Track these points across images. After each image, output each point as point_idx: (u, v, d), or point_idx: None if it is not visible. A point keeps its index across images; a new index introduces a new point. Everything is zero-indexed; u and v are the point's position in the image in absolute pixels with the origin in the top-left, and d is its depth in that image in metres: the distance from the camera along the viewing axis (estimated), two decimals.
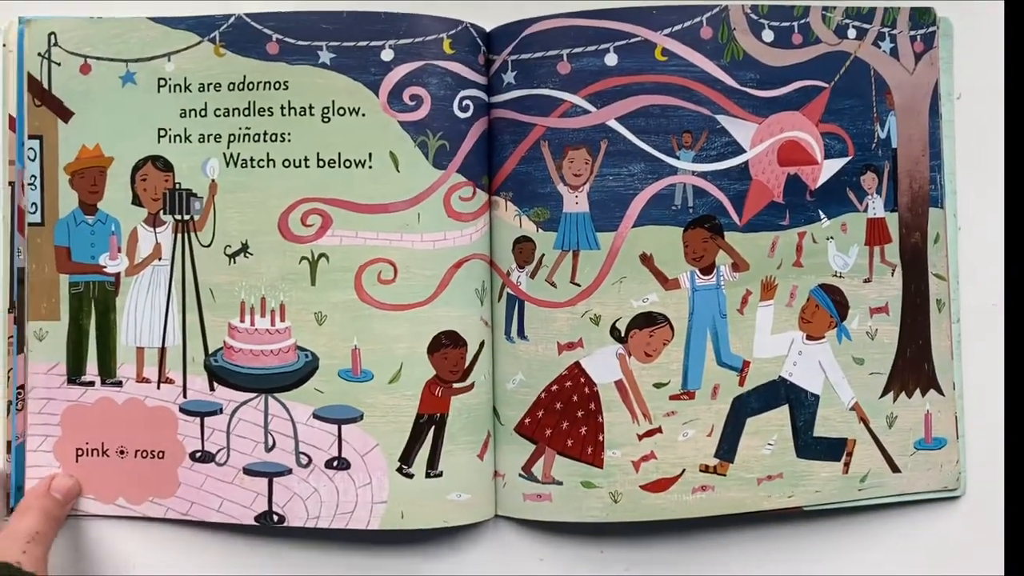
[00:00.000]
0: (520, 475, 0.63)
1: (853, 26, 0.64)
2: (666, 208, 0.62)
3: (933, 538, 0.65)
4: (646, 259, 0.62)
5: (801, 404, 0.63)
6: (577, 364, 0.62)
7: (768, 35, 0.62)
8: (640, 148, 0.62)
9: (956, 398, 0.65)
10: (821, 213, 0.63)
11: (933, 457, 0.65)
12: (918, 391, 0.65)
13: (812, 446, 0.63)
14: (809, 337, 0.64)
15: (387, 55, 0.60)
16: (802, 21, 0.63)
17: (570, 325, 0.62)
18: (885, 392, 0.64)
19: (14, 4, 0.62)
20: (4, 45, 0.62)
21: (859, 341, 0.64)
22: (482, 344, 0.62)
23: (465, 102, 0.61)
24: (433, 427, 0.61)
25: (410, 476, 0.61)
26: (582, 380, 0.62)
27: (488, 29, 0.62)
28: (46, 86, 0.61)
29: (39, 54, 0.61)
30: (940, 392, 0.65)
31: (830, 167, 0.64)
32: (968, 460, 0.66)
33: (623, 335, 0.62)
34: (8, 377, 0.62)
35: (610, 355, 0.62)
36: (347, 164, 0.60)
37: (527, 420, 0.63)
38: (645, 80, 0.61)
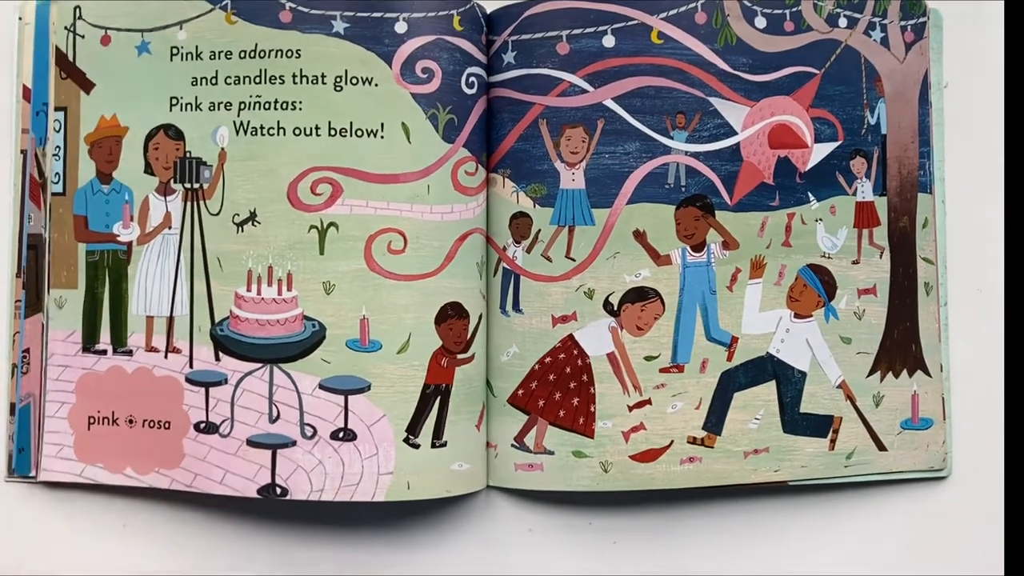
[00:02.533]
0: (512, 445, 0.64)
1: (844, 15, 0.66)
2: (659, 186, 0.64)
3: (918, 517, 0.66)
4: (639, 235, 0.64)
5: (788, 380, 0.65)
6: (571, 336, 0.64)
7: (761, 22, 0.64)
8: (635, 128, 0.64)
9: (943, 380, 0.67)
10: (810, 195, 0.65)
11: (919, 437, 0.66)
12: (905, 372, 0.66)
13: (799, 422, 0.65)
14: (797, 315, 0.65)
15: (401, 27, 0.61)
16: (794, 9, 0.65)
17: (564, 298, 0.64)
18: (872, 371, 0.66)
19: None
20: (21, 18, 0.65)
21: (847, 321, 0.65)
22: (480, 316, 0.64)
23: (471, 79, 0.63)
24: (439, 397, 0.62)
25: (416, 446, 0.62)
26: (575, 352, 0.64)
27: (489, 10, 0.64)
28: (71, 59, 0.64)
29: (66, 28, 0.64)
30: (927, 373, 0.66)
31: (820, 151, 0.65)
32: (954, 441, 0.67)
33: (616, 309, 0.64)
34: (14, 340, 0.65)
35: (603, 328, 0.64)
36: (359, 133, 0.61)
37: (520, 391, 0.64)
38: (641, 62, 0.63)
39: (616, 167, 0.64)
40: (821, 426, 0.65)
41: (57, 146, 0.64)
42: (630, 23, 0.63)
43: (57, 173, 0.64)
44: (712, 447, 0.64)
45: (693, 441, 0.64)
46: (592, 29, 0.63)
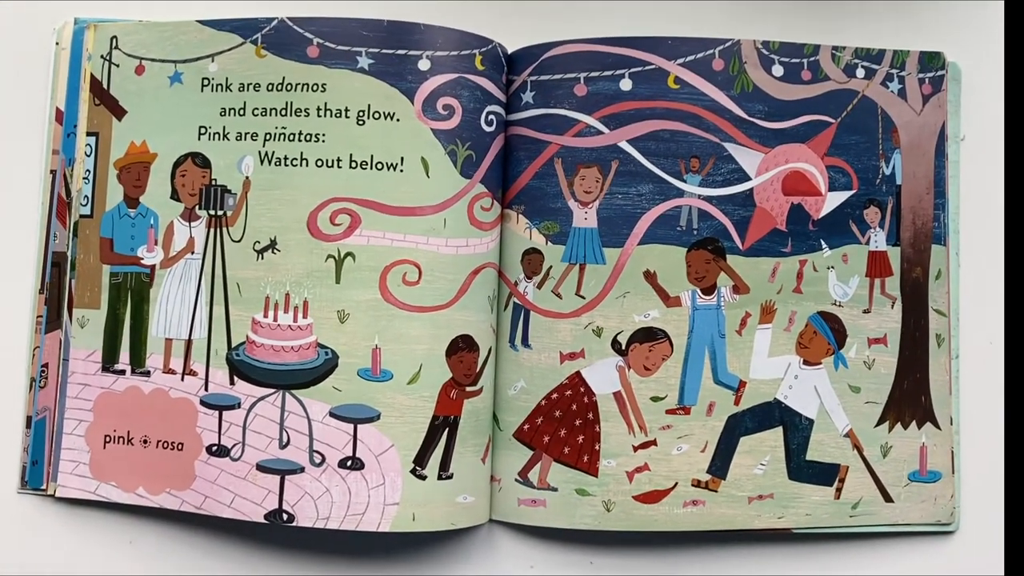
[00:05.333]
0: (516, 480, 0.65)
1: (862, 66, 0.66)
2: (671, 228, 0.64)
3: (924, 572, 0.65)
4: (649, 276, 0.64)
5: (795, 427, 0.65)
6: (578, 374, 0.64)
7: (778, 70, 0.65)
8: (649, 170, 0.64)
9: (953, 433, 0.66)
10: (823, 243, 0.65)
11: (927, 490, 0.65)
12: (914, 423, 0.66)
13: (804, 469, 0.65)
14: (806, 362, 0.65)
15: (424, 65, 0.63)
16: (812, 58, 0.66)
17: (573, 336, 0.64)
18: (880, 421, 0.65)
19: (68, 5, 0.68)
20: (58, 43, 0.68)
21: (856, 370, 0.65)
22: (490, 350, 0.65)
23: (490, 116, 0.65)
24: (447, 429, 0.63)
25: (423, 478, 0.62)
26: (582, 390, 0.64)
27: (510, 50, 0.66)
28: (105, 86, 0.66)
29: (102, 56, 0.66)
30: (937, 426, 0.66)
31: (833, 199, 0.66)
32: (963, 496, 0.66)
33: (624, 348, 0.64)
34: (34, 355, 0.67)
35: (610, 367, 0.64)
36: (379, 166, 0.63)
37: (526, 426, 0.65)
38: (657, 106, 0.64)
39: (629, 208, 0.64)
40: (827, 474, 0.65)
41: (87, 169, 0.67)
42: (647, 68, 0.64)
43: (86, 196, 0.67)
44: (716, 491, 0.64)
45: (697, 484, 0.64)
46: (610, 72, 0.64)
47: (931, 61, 0.67)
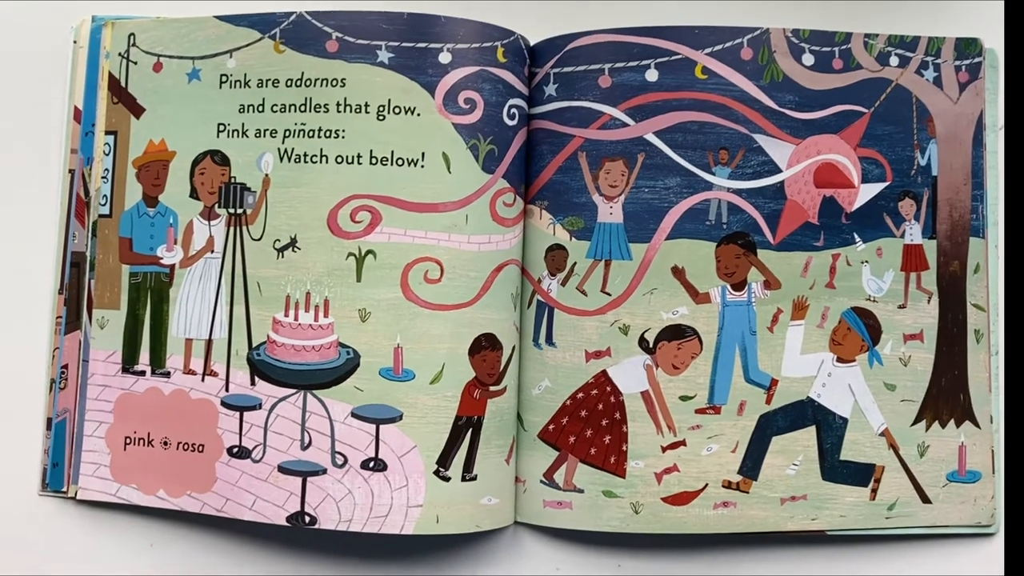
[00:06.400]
0: (541, 481, 0.63)
1: (896, 54, 0.64)
2: (700, 223, 0.63)
3: (964, 575, 0.63)
4: (678, 272, 0.63)
5: (829, 426, 0.63)
6: (604, 373, 0.63)
7: (808, 59, 0.63)
8: (676, 162, 0.63)
9: (993, 432, 0.64)
10: (856, 236, 0.63)
11: (966, 491, 0.63)
12: (952, 422, 0.64)
13: (838, 469, 0.63)
14: (839, 359, 0.63)
15: (445, 58, 0.62)
16: (843, 47, 0.64)
17: (599, 334, 0.63)
18: (917, 420, 0.63)
19: (85, 3, 0.67)
20: (76, 42, 0.67)
21: (891, 367, 0.63)
22: (514, 348, 0.64)
23: (512, 110, 0.63)
24: (470, 429, 0.62)
25: (447, 479, 0.61)
26: (608, 389, 0.63)
27: (532, 42, 0.65)
28: (123, 84, 0.66)
29: (120, 54, 0.66)
30: (976, 424, 0.64)
31: (867, 191, 0.64)
32: (1003, 496, 0.64)
33: (651, 346, 0.63)
34: (53, 356, 0.66)
35: (637, 365, 0.63)
36: (399, 162, 0.61)
37: (551, 426, 0.63)
38: (684, 96, 0.63)
39: (656, 202, 0.63)
40: (862, 475, 0.63)
41: (106, 169, 0.66)
42: (674, 57, 0.63)
43: (105, 195, 0.66)
44: (747, 492, 0.62)
45: (728, 485, 0.62)
46: (635, 63, 0.63)
47: (968, 48, 0.65)
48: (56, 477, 0.65)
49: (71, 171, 0.67)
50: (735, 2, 0.67)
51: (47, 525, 0.65)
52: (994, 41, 0.66)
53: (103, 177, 0.66)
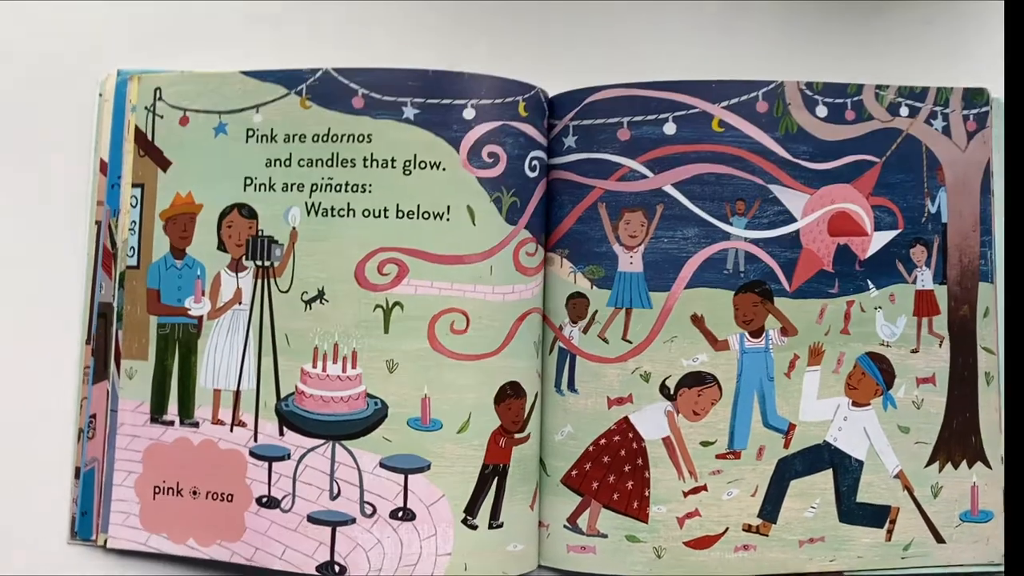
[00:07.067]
0: (565, 526, 0.65)
1: (906, 104, 0.66)
2: (718, 272, 0.64)
3: None
4: (697, 320, 0.64)
5: (845, 469, 0.64)
6: (626, 419, 0.64)
7: (822, 111, 0.65)
8: (695, 213, 0.64)
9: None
10: (870, 283, 0.65)
11: (980, 530, 0.65)
12: (964, 463, 0.65)
13: (855, 511, 0.64)
14: (855, 403, 0.65)
15: (469, 113, 0.63)
16: (855, 98, 0.65)
17: (620, 380, 0.64)
18: (931, 462, 0.65)
19: (110, 57, 0.68)
20: (101, 95, 0.68)
21: (905, 410, 0.65)
22: (536, 395, 0.65)
23: (534, 162, 0.65)
24: (496, 477, 0.63)
25: (474, 527, 0.62)
26: (630, 435, 0.64)
27: (551, 94, 0.66)
28: (150, 138, 0.67)
29: (146, 108, 0.67)
30: (987, 465, 0.65)
31: (880, 239, 0.65)
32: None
33: (672, 393, 0.64)
34: (81, 406, 0.67)
35: (659, 412, 0.64)
36: (425, 216, 0.63)
37: (574, 472, 0.65)
38: (702, 149, 0.64)
39: (675, 251, 0.64)
40: (878, 516, 0.64)
41: (133, 221, 0.67)
42: (691, 111, 0.64)
43: (132, 247, 0.67)
44: (767, 535, 0.64)
45: (748, 529, 0.64)
46: (653, 116, 0.64)
47: (975, 97, 0.67)
48: (85, 526, 0.66)
49: (97, 223, 0.68)
50: (750, 54, 0.69)
51: (77, 574, 0.66)
52: (1001, 90, 0.67)
53: (130, 229, 0.67)
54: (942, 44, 0.69)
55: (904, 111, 0.66)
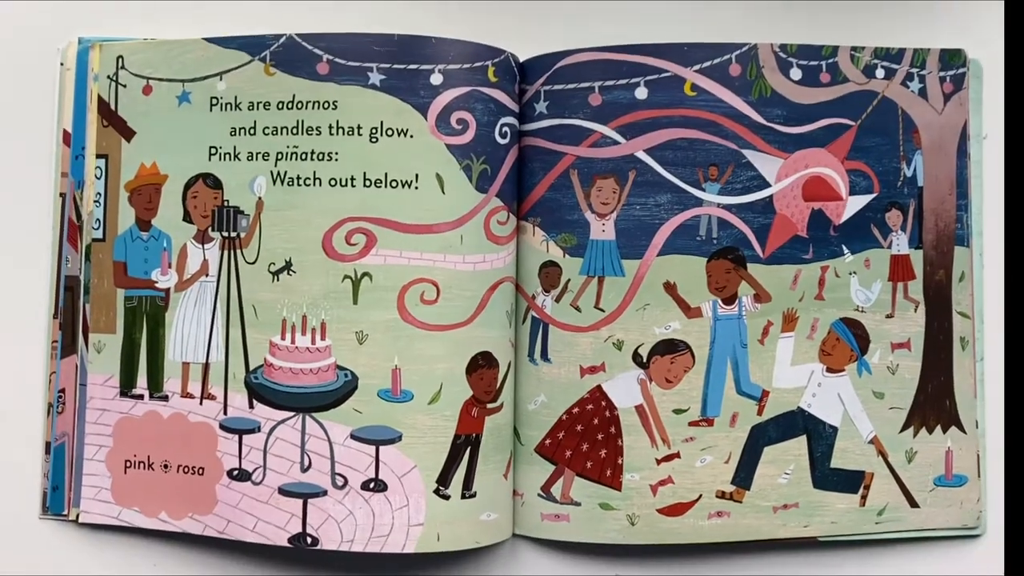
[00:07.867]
0: (539, 495, 0.64)
1: (882, 66, 0.65)
2: (691, 238, 0.63)
3: None
4: (669, 287, 0.64)
5: (819, 435, 0.64)
6: (599, 388, 0.64)
7: (796, 73, 0.64)
8: (667, 179, 0.63)
9: (979, 436, 0.66)
10: (844, 248, 0.65)
11: (953, 494, 0.65)
12: (939, 428, 0.65)
13: (829, 477, 0.64)
14: (829, 369, 0.64)
15: (436, 79, 0.62)
16: (830, 60, 0.64)
17: (593, 349, 0.64)
18: (905, 427, 0.65)
19: (71, 26, 0.67)
20: (63, 64, 0.67)
21: (880, 375, 0.65)
22: (509, 365, 0.64)
23: (504, 129, 0.63)
24: (469, 447, 0.62)
25: (447, 497, 0.62)
26: (603, 403, 0.64)
27: (521, 59, 0.65)
28: (113, 107, 0.65)
29: (108, 77, 0.65)
30: (962, 430, 0.65)
31: (855, 203, 0.65)
32: (989, 499, 0.65)
33: (645, 361, 0.64)
34: (50, 380, 0.66)
35: (631, 380, 0.64)
36: (393, 184, 0.62)
37: (547, 441, 0.64)
38: (674, 114, 0.63)
39: (647, 219, 0.64)
40: (852, 482, 0.64)
41: (98, 192, 0.66)
42: (663, 75, 0.63)
43: (98, 219, 0.66)
44: (741, 502, 0.64)
45: (722, 495, 0.64)
46: (625, 81, 0.63)
47: (952, 59, 0.66)
48: (56, 501, 0.66)
49: (62, 195, 0.67)
50: (722, 16, 0.68)
51: (49, 548, 0.66)
52: (978, 51, 0.66)
53: (95, 201, 0.66)
54: (919, 4, 0.68)
55: (880, 73, 0.65)
